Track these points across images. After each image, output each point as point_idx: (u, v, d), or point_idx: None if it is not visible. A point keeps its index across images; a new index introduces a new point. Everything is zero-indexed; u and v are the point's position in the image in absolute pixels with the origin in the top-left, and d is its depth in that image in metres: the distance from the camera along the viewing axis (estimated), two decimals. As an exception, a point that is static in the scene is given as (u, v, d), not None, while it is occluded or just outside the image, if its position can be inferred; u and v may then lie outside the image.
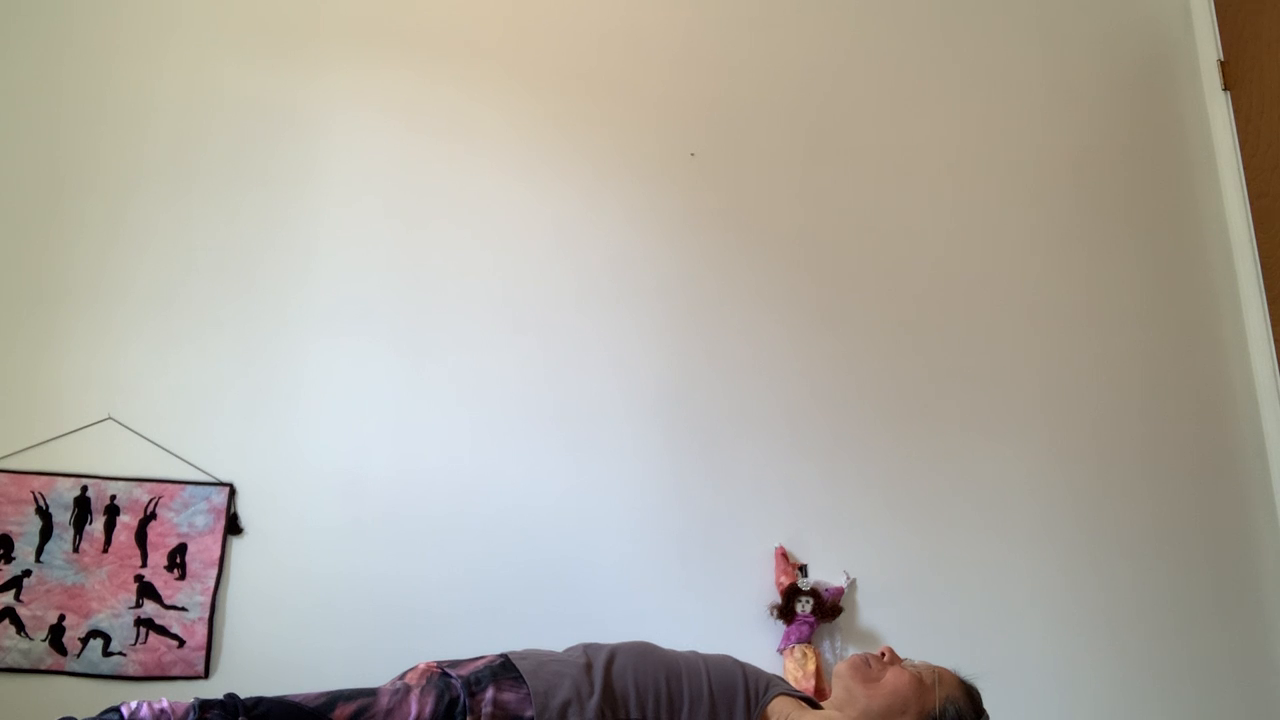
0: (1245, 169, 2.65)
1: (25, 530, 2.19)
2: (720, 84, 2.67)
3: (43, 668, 2.14)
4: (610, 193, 2.56)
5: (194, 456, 2.28)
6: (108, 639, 2.17)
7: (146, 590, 2.20)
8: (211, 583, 2.22)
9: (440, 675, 1.61)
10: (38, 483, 2.22)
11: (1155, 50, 2.84)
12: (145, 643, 2.18)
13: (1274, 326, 2.55)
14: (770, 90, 2.68)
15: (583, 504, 2.37)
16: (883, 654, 1.70)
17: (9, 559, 2.17)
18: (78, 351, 2.30)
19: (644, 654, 1.68)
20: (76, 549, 2.20)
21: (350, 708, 1.53)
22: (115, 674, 2.15)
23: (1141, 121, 2.77)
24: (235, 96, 2.48)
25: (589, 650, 1.68)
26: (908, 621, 2.37)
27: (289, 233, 2.43)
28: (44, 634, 2.15)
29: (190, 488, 2.26)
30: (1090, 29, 2.82)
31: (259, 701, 1.53)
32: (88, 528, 2.21)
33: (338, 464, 2.32)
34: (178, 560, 2.22)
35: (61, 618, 2.17)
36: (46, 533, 2.20)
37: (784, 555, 2.37)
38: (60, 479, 2.22)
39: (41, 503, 2.21)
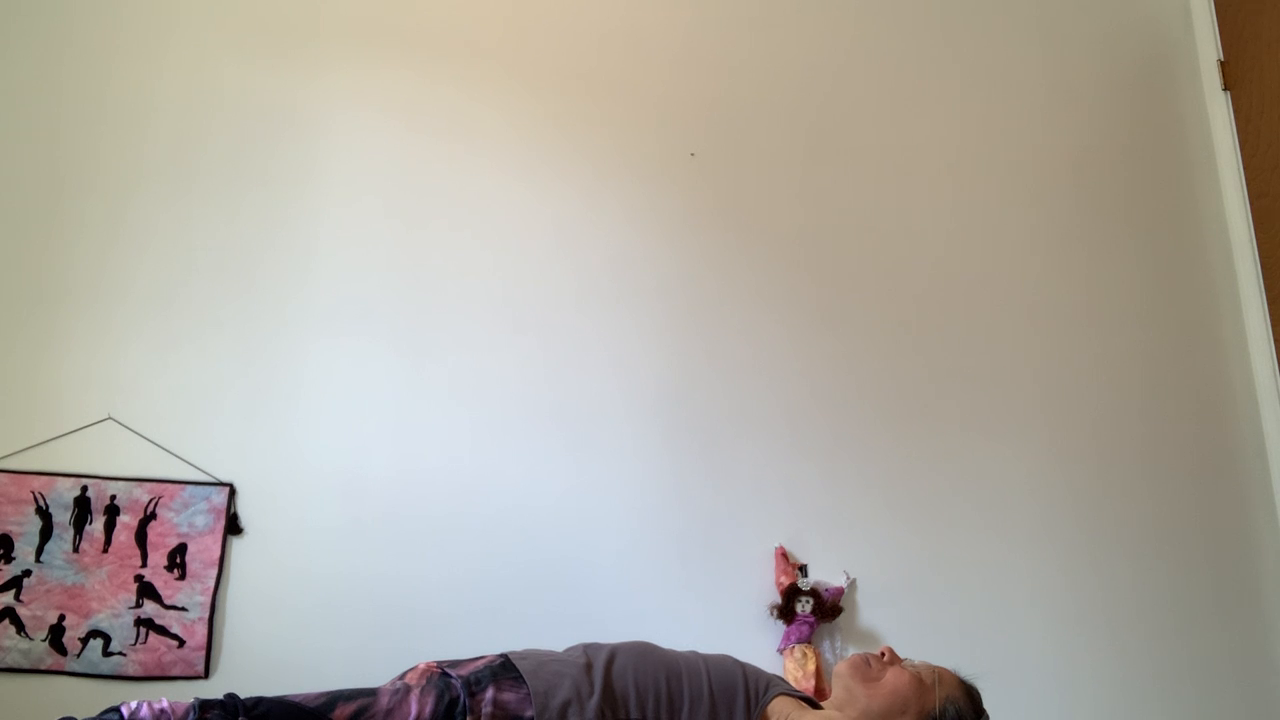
0: (1245, 169, 2.65)
1: (25, 530, 2.19)
2: (720, 84, 2.67)
3: (43, 668, 2.14)
4: (610, 193, 2.56)
5: (194, 456, 2.28)
6: (108, 639, 2.17)
7: (146, 590, 2.20)
8: (211, 583, 2.22)
9: (440, 675, 1.61)
10: (38, 483, 2.22)
11: (1155, 50, 2.84)
12: (145, 643, 2.18)
13: (1274, 326, 2.55)
14: (770, 90, 2.68)
15: (583, 504, 2.37)
16: (883, 654, 1.71)
17: (9, 559, 2.18)
18: (78, 351, 2.30)
19: (644, 654, 1.68)
20: (76, 549, 2.20)
21: (350, 708, 1.53)
22: (115, 674, 2.15)
23: (1141, 121, 2.77)
24: (235, 96, 2.48)
25: (589, 650, 1.68)
26: (908, 621, 2.37)
27: (289, 233, 2.43)
28: (44, 634, 2.15)
29: (190, 488, 2.26)
30: (1090, 29, 2.82)
31: (259, 701, 1.53)
32: (88, 528, 2.21)
33: (338, 464, 2.32)
34: (178, 560, 2.22)
35: (61, 618, 2.17)
36: (46, 533, 2.20)
37: (784, 555, 2.37)
38: (60, 479, 2.22)
39: (41, 503, 2.21)
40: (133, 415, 2.28)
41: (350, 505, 2.29)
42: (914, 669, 1.67)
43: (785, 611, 2.31)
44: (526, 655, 1.67)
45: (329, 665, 2.17)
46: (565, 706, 1.55)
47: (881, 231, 2.62)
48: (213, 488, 2.26)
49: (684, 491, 2.40)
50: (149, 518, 2.23)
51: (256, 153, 2.46)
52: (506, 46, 2.61)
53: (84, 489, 2.22)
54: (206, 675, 2.18)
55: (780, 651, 2.30)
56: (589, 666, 1.63)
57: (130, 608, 2.19)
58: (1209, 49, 2.76)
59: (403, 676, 1.64)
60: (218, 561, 2.23)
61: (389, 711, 1.54)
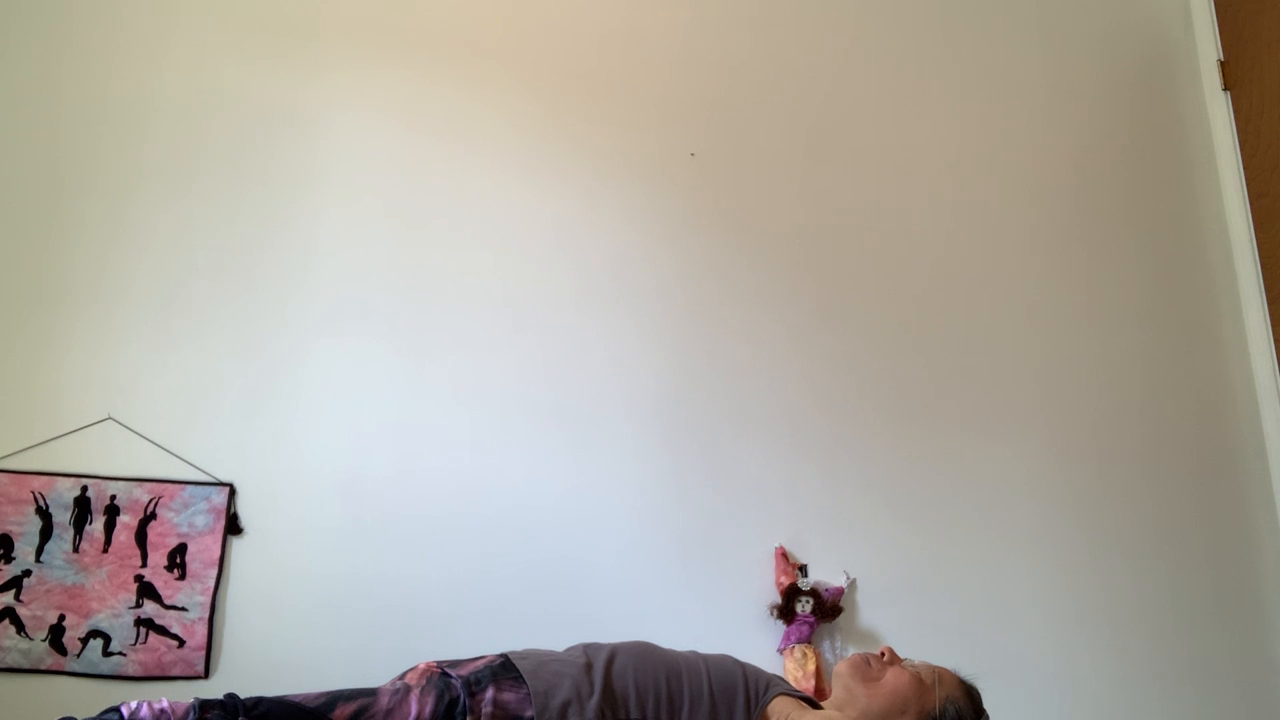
0: (1245, 169, 2.65)
1: (25, 530, 2.19)
2: (720, 84, 2.67)
3: (43, 668, 2.14)
4: (610, 193, 2.56)
5: (194, 456, 2.28)
6: (108, 639, 2.17)
7: (146, 590, 2.20)
8: (211, 583, 2.22)
9: (440, 675, 1.61)
10: (38, 483, 2.22)
11: (1155, 50, 2.84)
12: (145, 643, 2.18)
13: (1274, 326, 2.55)
14: (770, 90, 2.68)
15: (583, 504, 2.37)
16: (883, 654, 1.71)
17: (9, 559, 2.18)
18: (78, 351, 2.30)
19: (644, 654, 1.68)
20: (76, 549, 2.20)
21: (350, 708, 1.53)
22: (115, 674, 2.15)
23: (1141, 121, 2.77)
24: (235, 96, 2.48)
25: (589, 650, 1.68)
26: (908, 621, 2.37)
27: (289, 233, 2.43)
28: (44, 634, 2.15)
29: (190, 488, 2.26)
30: (1090, 29, 2.82)
31: (259, 701, 1.53)
32: (88, 528, 2.21)
33: (338, 464, 2.32)
34: (178, 560, 2.22)
35: (61, 618, 2.17)
36: (46, 533, 2.20)
37: (784, 555, 2.37)
38: (60, 479, 2.22)
39: (41, 503, 2.21)
40: (133, 415, 2.28)
41: (350, 505, 2.29)
42: (914, 669, 1.67)
43: (785, 611, 2.31)
44: (526, 655, 1.67)
45: (329, 665, 2.17)
46: (565, 706, 1.55)
47: (881, 231, 2.62)
48: (213, 488, 2.26)
49: (684, 491, 2.40)
50: (149, 518, 2.23)
51: (256, 153, 2.46)
52: (506, 46, 2.61)
53: (84, 489, 2.22)
54: (206, 675, 2.18)
55: (780, 651, 2.30)
56: (589, 666, 1.63)
57: (130, 608, 2.19)
58: (1209, 49, 2.76)
59: (403, 676, 1.64)
60: (218, 561, 2.23)
61: (389, 711, 1.54)
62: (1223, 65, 2.73)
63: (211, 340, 2.35)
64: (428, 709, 1.54)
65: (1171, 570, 2.47)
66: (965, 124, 2.72)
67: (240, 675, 2.17)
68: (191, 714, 1.49)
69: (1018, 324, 2.60)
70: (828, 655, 2.33)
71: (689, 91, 2.65)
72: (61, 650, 2.15)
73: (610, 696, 1.58)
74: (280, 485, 2.29)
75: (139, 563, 2.21)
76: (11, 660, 2.14)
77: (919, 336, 2.56)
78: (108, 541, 2.21)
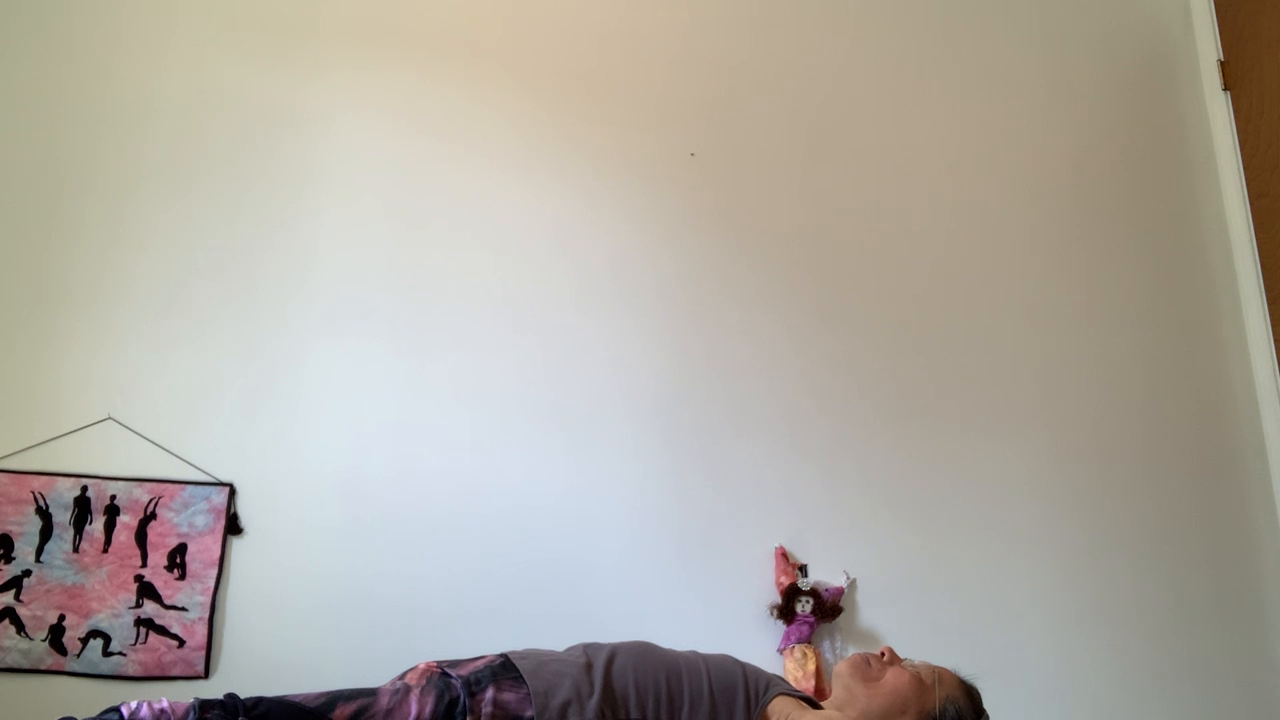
0: (1245, 169, 2.65)
1: (25, 530, 2.19)
2: (720, 84, 2.67)
3: (43, 668, 2.14)
4: (610, 193, 2.56)
5: (194, 456, 2.28)
6: (108, 639, 2.17)
7: (146, 590, 2.20)
8: (211, 583, 2.22)
9: (440, 675, 1.61)
10: (38, 483, 2.22)
11: (1155, 50, 2.84)
12: (145, 643, 2.18)
13: (1274, 326, 2.55)
14: (770, 90, 2.68)
15: (583, 504, 2.37)
16: (883, 654, 1.71)
17: (9, 559, 2.17)
18: (78, 351, 2.30)
19: (644, 654, 1.68)
20: (76, 549, 2.20)
21: (350, 708, 1.53)
22: (115, 674, 2.15)
23: (1141, 121, 2.77)
24: (235, 96, 2.48)
25: (589, 650, 1.68)
26: (908, 621, 2.37)
27: (289, 233, 2.43)
28: (44, 634, 2.15)
29: (190, 488, 2.26)
30: (1090, 29, 2.82)
31: (259, 701, 1.53)
32: (88, 528, 2.21)
33: (338, 464, 2.32)
34: (178, 560, 2.22)
35: (61, 618, 2.17)
36: (46, 533, 2.20)
37: (784, 555, 2.37)
38: (60, 479, 2.22)
39: (41, 503, 2.21)
40: (133, 415, 2.28)
41: (350, 505, 2.29)
42: (914, 669, 1.67)
43: (785, 611, 2.31)
44: (526, 655, 1.67)
45: (329, 665, 2.17)
46: (565, 706, 1.55)
47: (881, 231, 2.62)
48: (213, 488, 2.26)
49: (684, 491, 2.40)
50: (149, 518, 2.23)
51: (256, 153, 2.46)
52: (506, 46, 2.61)
53: (84, 489, 2.22)
54: (206, 675, 2.18)
55: (780, 651, 2.30)
56: (589, 666, 1.63)
57: (130, 608, 2.19)
58: (1209, 49, 2.76)
59: (403, 676, 1.64)
60: (218, 561, 2.23)
61: (389, 711, 1.54)
62: (1223, 65, 2.73)
63: (211, 340, 2.35)
64: (428, 709, 1.54)
65: (1171, 570, 2.47)
66: (965, 124, 2.72)
67: (240, 675, 2.17)
68: (191, 714, 1.49)
69: (1018, 324, 2.60)
70: (828, 655, 2.33)
71: (689, 91, 2.65)
72: (61, 650, 2.15)
73: (610, 696, 1.58)
74: (280, 485, 2.29)
75: (139, 563, 2.21)
76: (11, 660, 2.14)
77: (919, 336, 2.56)
78: (108, 541, 2.21)
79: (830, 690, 1.83)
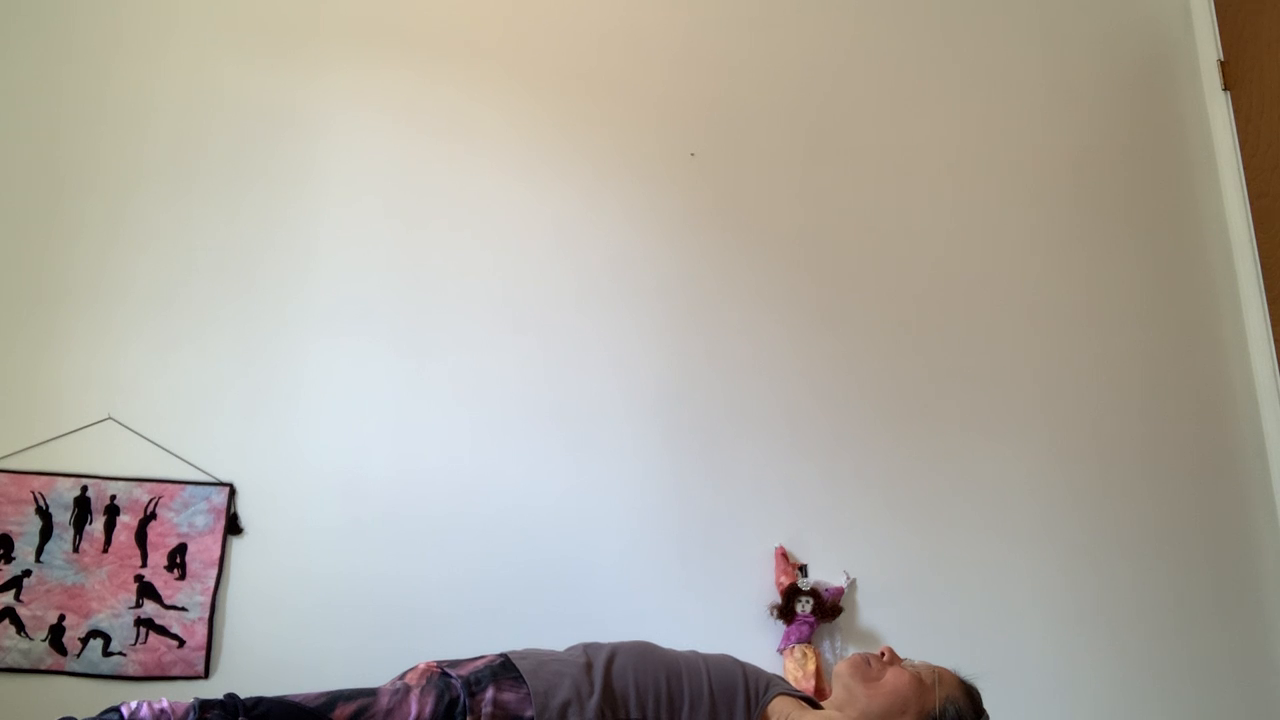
0: (1245, 169, 2.65)
1: (25, 530, 2.19)
2: (720, 84, 2.67)
3: (43, 668, 2.14)
4: (610, 193, 2.56)
5: (194, 456, 2.28)
6: (108, 639, 2.17)
7: (146, 590, 2.20)
8: (211, 583, 2.22)
9: (440, 675, 1.61)
10: (38, 483, 2.22)
11: (1155, 50, 2.84)
12: (145, 643, 2.18)
13: (1274, 326, 2.55)
14: (770, 90, 2.68)
15: (583, 504, 2.37)
16: (883, 654, 1.71)
17: (9, 559, 2.18)
18: (78, 351, 2.30)
19: (644, 654, 1.68)
20: (76, 549, 2.20)
21: (350, 708, 1.53)
22: (115, 674, 2.15)
23: (1141, 121, 2.77)
24: (235, 96, 2.48)
25: (589, 650, 1.68)
26: (908, 621, 2.37)
27: (289, 233, 2.43)
28: (44, 634, 2.15)
29: (190, 488, 2.26)
30: (1090, 29, 2.82)
31: (259, 701, 1.53)
32: (88, 528, 2.21)
33: (338, 464, 2.32)
34: (178, 560, 2.22)
35: (61, 618, 2.17)
36: (46, 533, 2.20)
37: (784, 555, 2.37)
38: (60, 479, 2.22)
39: (41, 503, 2.21)
40: (133, 415, 2.28)
41: (350, 505, 2.29)
42: (914, 669, 1.67)
43: (785, 611, 2.31)
44: (526, 655, 1.67)
45: (329, 665, 2.17)
46: (565, 706, 1.55)
47: (881, 231, 2.62)
48: (213, 488, 2.27)
49: (684, 491, 2.40)
50: (149, 518, 2.23)
51: (256, 153, 2.46)
52: (506, 46, 2.61)
53: (84, 489, 2.22)
54: (206, 675, 2.18)
55: (780, 651, 2.30)
56: (589, 666, 1.63)
57: (130, 608, 2.19)
58: (1209, 49, 2.76)
59: (403, 676, 1.64)
60: (218, 561, 2.23)
61: (389, 711, 1.54)
62: (1223, 65, 2.73)
63: (211, 340, 2.35)
64: (428, 709, 1.54)
65: (1171, 570, 2.47)
66: (965, 124, 2.72)
67: (240, 675, 2.17)
68: (191, 714, 1.49)
69: (1018, 324, 2.60)
70: (828, 655, 2.33)
71: (689, 91, 2.65)
72: (61, 650, 2.15)
73: (610, 696, 1.58)
74: (280, 485, 2.29)
75: (139, 563, 2.21)
76: (11, 660, 2.14)
77: (919, 336, 2.56)
78: (108, 541, 2.21)
79: (830, 690, 1.84)
